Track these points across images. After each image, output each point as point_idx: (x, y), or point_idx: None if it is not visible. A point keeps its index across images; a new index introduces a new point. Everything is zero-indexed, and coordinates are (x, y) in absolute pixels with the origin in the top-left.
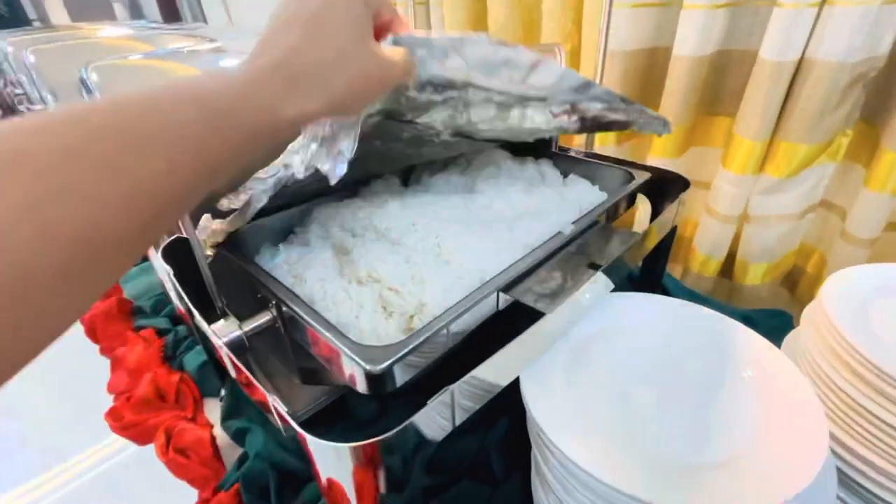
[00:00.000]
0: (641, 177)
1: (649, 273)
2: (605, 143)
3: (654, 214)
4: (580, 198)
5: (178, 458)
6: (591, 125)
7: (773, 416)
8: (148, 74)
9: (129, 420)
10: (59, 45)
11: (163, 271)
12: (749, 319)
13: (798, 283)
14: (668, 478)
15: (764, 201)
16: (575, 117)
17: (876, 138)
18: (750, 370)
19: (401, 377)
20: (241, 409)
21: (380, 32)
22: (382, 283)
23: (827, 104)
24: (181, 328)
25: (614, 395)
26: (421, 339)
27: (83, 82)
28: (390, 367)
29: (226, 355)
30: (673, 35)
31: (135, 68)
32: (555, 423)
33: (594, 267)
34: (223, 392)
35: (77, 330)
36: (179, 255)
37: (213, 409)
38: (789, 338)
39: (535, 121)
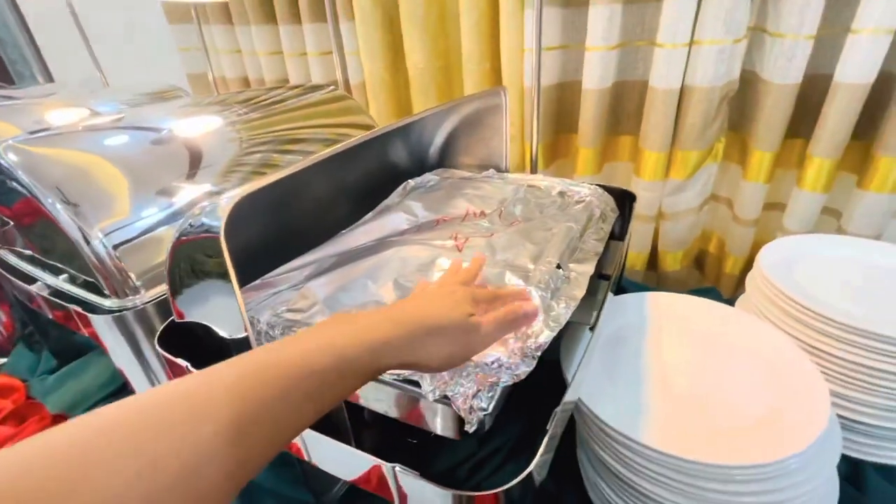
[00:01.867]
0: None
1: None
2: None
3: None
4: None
5: None
6: None
7: (774, 365)
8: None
9: None
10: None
11: (133, 367)
12: None
13: (704, 263)
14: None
15: (673, 200)
16: None
17: (743, 142)
18: (741, 338)
19: (490, 418)
20: (261, 499)
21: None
22: None
23: (707, 118)
24: None
25: (652, 380)
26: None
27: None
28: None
29: (300, 439)
30: (574, 72)
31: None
32: (618, 417)
33: (605, 277)
34: None
35: None
36: (177, 341)
37: None
38: (740, 301)
39: None
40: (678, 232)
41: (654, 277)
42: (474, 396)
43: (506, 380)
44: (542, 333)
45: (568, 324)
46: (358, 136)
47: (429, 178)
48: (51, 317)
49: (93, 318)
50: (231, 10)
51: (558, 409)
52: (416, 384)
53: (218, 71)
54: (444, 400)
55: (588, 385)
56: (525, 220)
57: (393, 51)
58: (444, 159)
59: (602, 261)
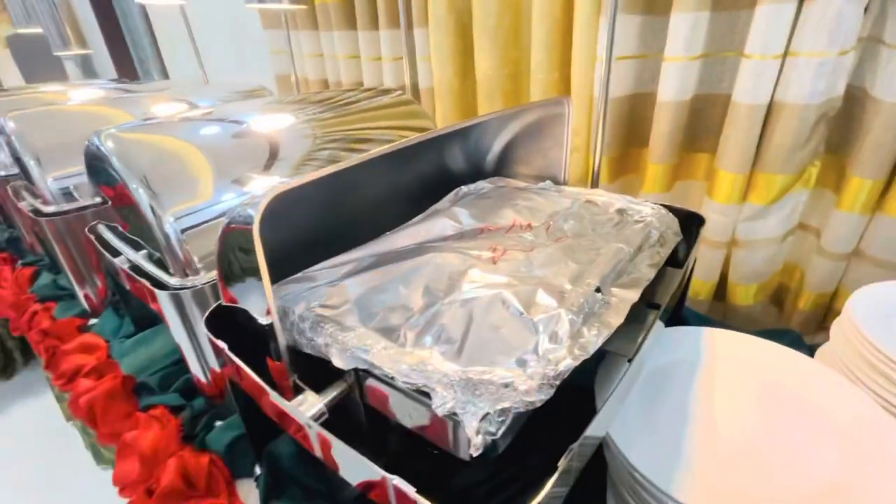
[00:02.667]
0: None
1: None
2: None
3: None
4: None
5: None
6: None
7: (850, 434)
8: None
9: None
10: (39, 111)
11: (188, 343)
12: None
13: (784, 300)
14: None
15: (750, 227)
16: None
17: (841, 166)
18: (816, 395)
19: (504, 442)
20: (283, 488)
21: None
22: None
23: (797, 140)
24: (198, 402)
25: (694, 430)
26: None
27: (94, 151)
28: (504, 434)
29: (314, 432)
30: (649, 82)
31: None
32: (648, 463)
33: (654, 307)
34: (258, 471)
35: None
36: (224, 325)
37: (247, 492)
38: (821, 351)
39: None
40: (754, 263)
41: (720, 310)
42: (483, 419)
43: (518, 406)
44: (563, 361)
45: (607, 353)
46: (412, 137)
47: (482, 185)
48: (128, 288)
49: (158, 293)
50: (318, 16)
51: (575, 444)
52: (428, 395)
53: (301, 73)
54: (454, 416)
55: (622, 424)
56: (574, 236)
57: (463, 57)
58: (501, 168)
59: (655, 288)
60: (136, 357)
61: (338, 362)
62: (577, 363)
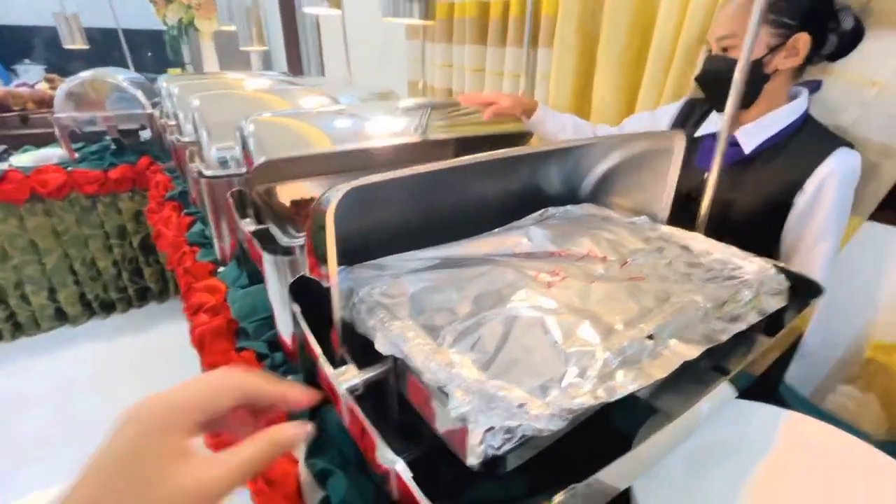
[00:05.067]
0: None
1: (766, 380)
2: None
3: (774, 318)
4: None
5: (265, 488)
6: None
7: None
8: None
9: (225, 438)
10: (217, 94)
11: (278, 303)
12: None
13: None
14: None
15: None
16: None
17: None
18: None
19: (513, 461)
20: (326, 448)
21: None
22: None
23: None
24: (278, 355)
25: None
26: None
27: (241, 131)
28: (510, 451)
29: (344, 401)
30: None
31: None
32: None
33: (721, 371)
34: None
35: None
36: (305, 293)
37: None
38: None
39: None
40: None
41: (867, 402)
42: (489, 431)
43: (525, 429)
44: (580, 397)
45: (659, 411)
46: (505, 150)
47: (570, 209)
48: (246, 247)
49: (264, 254)
50: (454, 29)
51: (580, 484)
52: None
53: (431, 81)
54: (465, 421)
55: (653, 489)
56: (649, 278)
57: (583, 79)
58: (597, 196)
59: (734, 353)
60: (244, 305)
61: (379, 346)
62: (595, 403)
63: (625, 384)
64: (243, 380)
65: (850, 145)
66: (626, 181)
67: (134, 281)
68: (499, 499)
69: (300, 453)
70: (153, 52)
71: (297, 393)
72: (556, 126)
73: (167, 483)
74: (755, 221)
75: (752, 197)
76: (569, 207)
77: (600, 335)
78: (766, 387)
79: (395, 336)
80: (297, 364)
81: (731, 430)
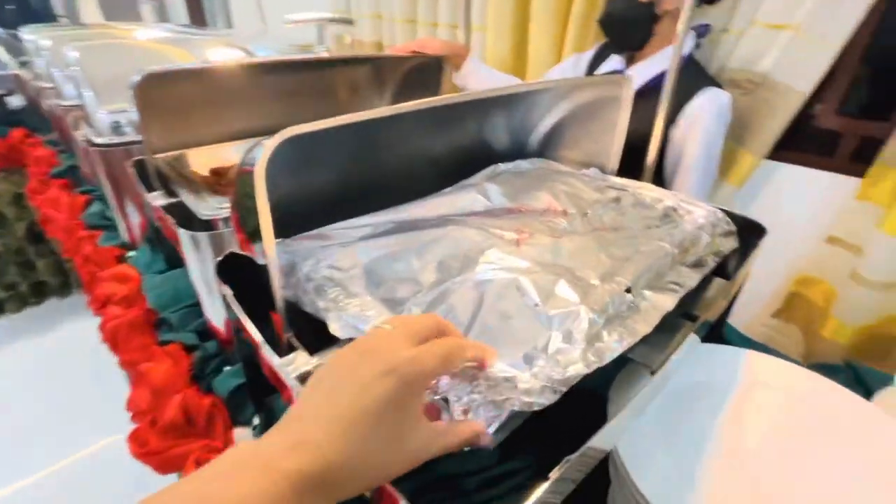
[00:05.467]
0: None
1: (714, 323)
2: None
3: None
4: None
5: None
6: None
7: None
8: (194, 83)
9: (155, 447)
10: (98, 44)
11: (203, 287)
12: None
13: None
14: None
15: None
16: None
17: None
18: (862, 441)
19: (497, 439)
20: None
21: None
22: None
23: None
24: (210, 345)
25: (719, 462)
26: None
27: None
28: (498, 431)
29: (295, 392)
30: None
31: (183, 76)
32: (658, 494)
33: (691, 318)
34: (256, 421)
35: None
36: (234, 272)
37: (243, 439)
38: (882, 395)
39: None
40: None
41: (792, 332)
42: (479, 408)
43: (514, 405)
44: (573, 365)
45: (628, 362)
46: (450, 96)
47: (521, 164)
48: (158, 225)
49: (180, 232)
50: None
51: (574, 455)
52: None
53: (359, 33)
54: (444, 402)
55: (633, 441)
56: (613, 229)
57: (520, 33)
58: (546, 149)
59: (697, 299)
60: (163, 293)
61: (334, 329)
62: (589, 371)
63: (614, 345)
64: (463, 342)
65: (720, 86)
66: (575, 133)
67: (25, 275)
68: (473, 471)
69: None
70: (15, 2)
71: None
72: (488, 82)
73: (412, 443)
74: (640, 156)
75: (640, 132)
76: (518, 162)
77: (579, 294)
78: (714, 328)
79: (353, 317)
80: (233, 353)
81: (699, 375)
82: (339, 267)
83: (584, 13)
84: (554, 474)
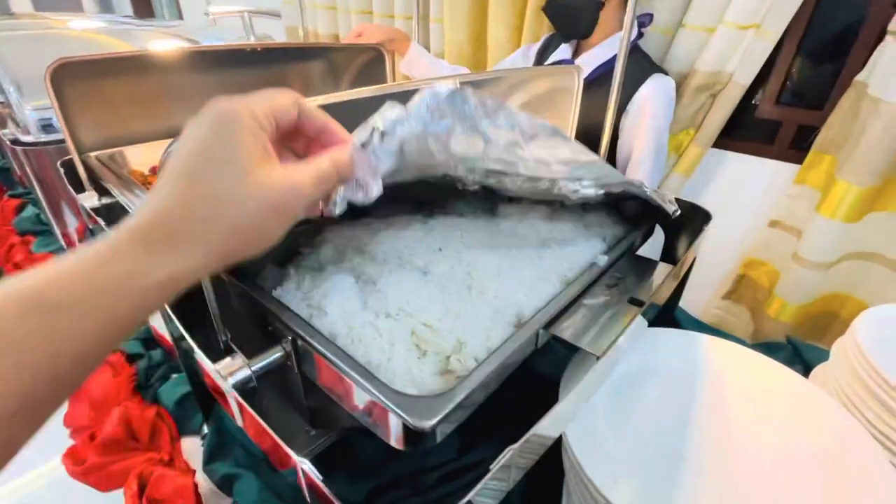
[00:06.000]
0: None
1: (664, 307)
2: None
3: (668, 246)
4: (601, 225)
5: None
6: (616, 197)
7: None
8: (126, 74)
9: (93, 463)
10: (24, 34)
11: None
12: None
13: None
14: None
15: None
16: (602, 191)
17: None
18: (801, 416)
19: (442, 432)
20: (227, 450)
21: (310, 146)
22: (415, 317)
23: None
24: (156, 352)
25: (661, 441)
26: (471, 388)
27: (46, 77)
28: (439, 423)
29: (232, 399)
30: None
31: (105, 65)
32: (605, 476)
33: (637, 303)
34: (206, 429)
35: None
36: None
37: (191, 450)
38: (818, 370)
39: (563, 191)
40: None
41: (741, 313)
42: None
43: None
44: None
45: (577, 350)
46: (381, 86)
47: None
48: (90, 227)
49: None
50: None
51: (516, 445)
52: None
53: (313, 26)
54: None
55: (582, 430)
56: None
57: (479, 24)
58: None
59: (642, 283)
60: None
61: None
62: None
63: None
64: (296, 96)
65: (665, 73)
66: None
67: None
68: (431, 467)
69: (197, 461)
70: None
71: (337, 126)
72: (431, 70)
73: (259, 173)
74: (594, 145)
75: (590, 121)
76: None
77: None
78: (665, 313)
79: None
80: (178, 361)
81: (646, 359)
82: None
83: (540, 2)
84: (494, 466)
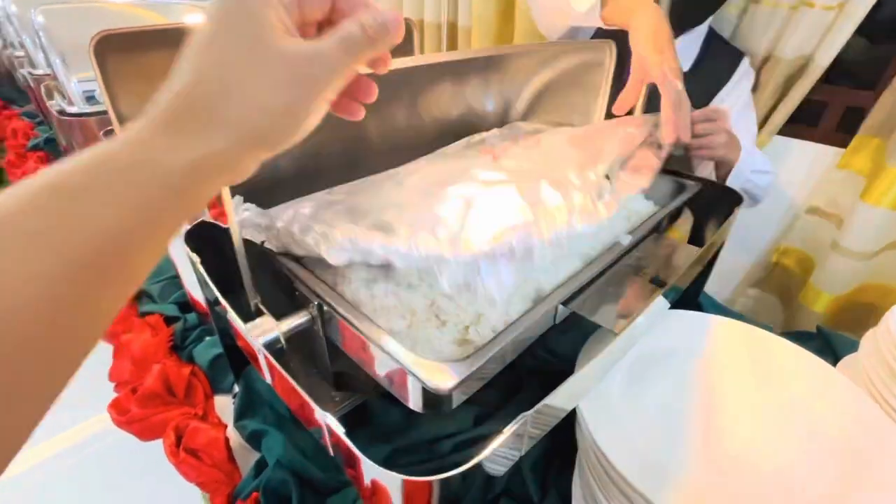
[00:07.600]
0: (692, 188)
1: (688, 291)
2: None
3: (697, 229)
4: (628, 205)
5: (190, 459)
6: None
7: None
8: (167, 47)
9: (135, 414)
10: (68, 7)
11: (182, 257)
12: None
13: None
14: None
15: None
16: None
17: None
18: (826, 406)
19: (458, 397)
20: (256, 408)
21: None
22: (434, 287)
23: None
24: (191, 316)
25: (679, 423)
26: (488, 356)
27: (90, 50)
28: (456, 388)
29: (263, 358)
30: None
31: (146, 38)
32: (620, 451)
33: (659, 283)
34: (236, 389)
35: None
36: (204, 241)
37: (223, 407)
38: (847, 360)
39: None
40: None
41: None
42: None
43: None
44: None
45: (595, 327)
46: (426, 55)
47: (495, 132)
48: None
49: None
50: None
51: (529, 412)
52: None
53: None
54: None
55: (598, 403)
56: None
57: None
58: (529, 116)
59: (666, 264)
60: None
61: (329, 256)
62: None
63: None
64: None
65: (742, 53)
66: (558, 100)
67: None
68: (447, 434)
69: (228, 417)
70: None
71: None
72: None
73: (279, 44)
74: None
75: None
76: (493, 131)
77: (563, 193)
78: (690, 297)
79: (344, 241)
80: (211, 324)
81: (666, 340)
82: (321, 207)
83: None
84: (507, 429)
